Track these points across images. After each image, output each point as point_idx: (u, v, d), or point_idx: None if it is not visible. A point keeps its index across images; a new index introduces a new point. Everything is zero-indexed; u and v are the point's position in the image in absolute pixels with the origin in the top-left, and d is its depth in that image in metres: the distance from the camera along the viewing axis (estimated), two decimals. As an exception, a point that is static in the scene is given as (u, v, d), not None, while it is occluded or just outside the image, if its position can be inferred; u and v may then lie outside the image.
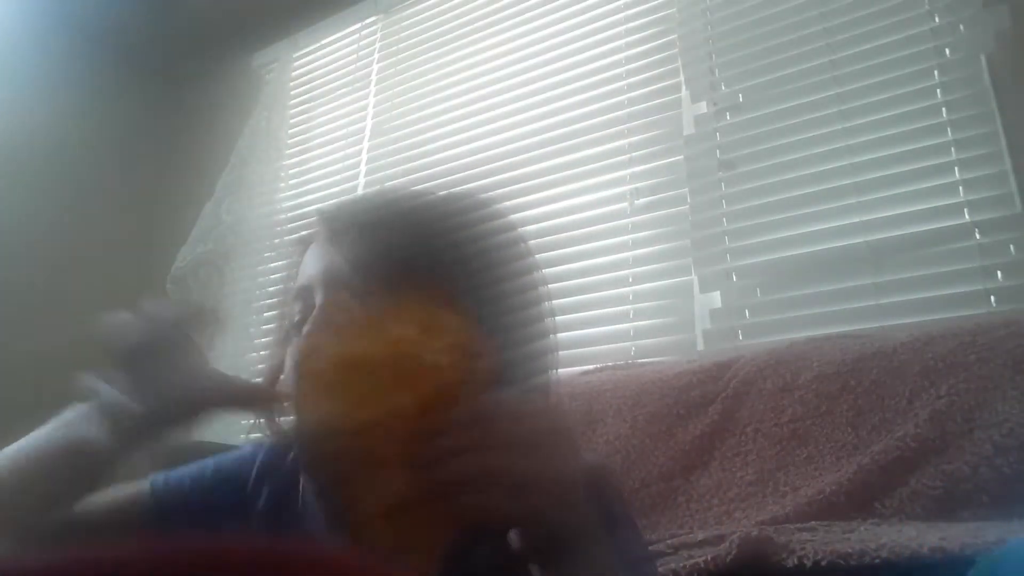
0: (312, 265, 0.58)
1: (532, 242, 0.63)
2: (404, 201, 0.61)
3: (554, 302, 0.61)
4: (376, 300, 0.49)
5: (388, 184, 1.80)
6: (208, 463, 0.67)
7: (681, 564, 0.69)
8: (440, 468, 0.40)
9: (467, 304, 0.51)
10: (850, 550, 0.63)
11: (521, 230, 0.62)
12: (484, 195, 0.63)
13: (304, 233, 0.63)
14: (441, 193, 0.62)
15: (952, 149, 1.18)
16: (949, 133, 1.19)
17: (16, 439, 0.54)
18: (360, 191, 1.94)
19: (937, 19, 1.26)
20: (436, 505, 0.40)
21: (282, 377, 0.58)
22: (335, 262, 0.55)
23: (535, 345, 0.58)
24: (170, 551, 0.20)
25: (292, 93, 2.26)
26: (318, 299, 0.55)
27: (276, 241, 2.06)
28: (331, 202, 0.66)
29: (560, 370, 0.61)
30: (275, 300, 0.66)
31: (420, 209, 0.59)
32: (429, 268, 0.52)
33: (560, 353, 0.62)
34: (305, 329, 0.54)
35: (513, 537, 0.44)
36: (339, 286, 0.54)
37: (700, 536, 0.78)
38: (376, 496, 0.40)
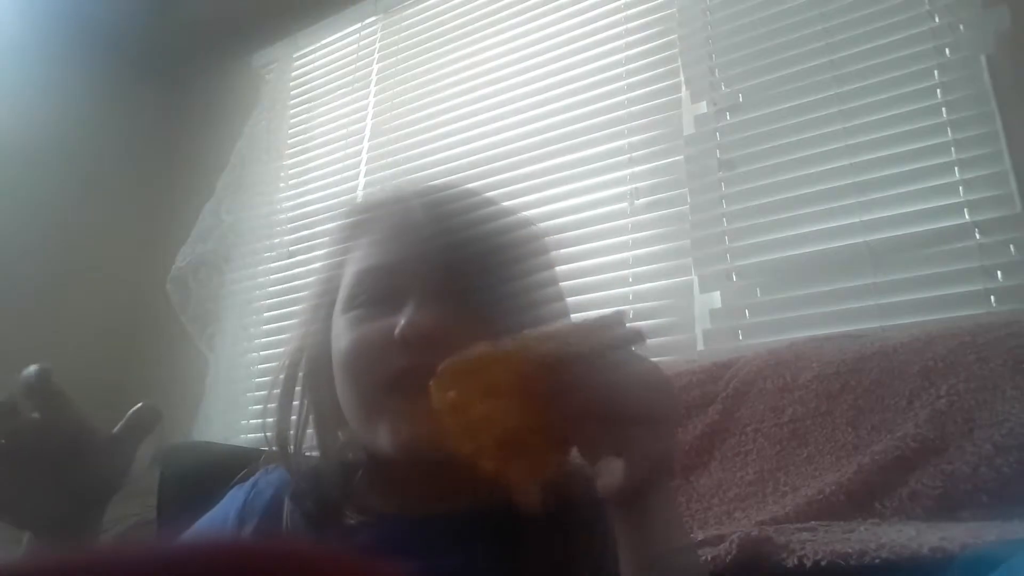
0: (395, 250, 0.57)
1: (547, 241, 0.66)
2: (471, 202, 0.62)
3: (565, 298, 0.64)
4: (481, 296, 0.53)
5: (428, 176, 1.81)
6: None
7: (681, 564, 0.69)
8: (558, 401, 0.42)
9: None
10: (850, 550, 0.63)
11: (545, 239, 0.65)
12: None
13: (362, 216, 0.63)
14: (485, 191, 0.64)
15: (952, 149, 1.18)
16: (949, 133, 1.19)
17: None
18: (360, 192, 1.94)
19: (937, 19, 1.26)
20: (544, 437, 0.43)
21: (338, 353, 0.57)
22: (435, 253, 0.55)
23: None
24: (169, 551, 0.20)
25: (292, 93, 2.26)
26: (418, 286, 0.54)
27: (276, 241, 2.06)
28: (395, 186, 0.66)
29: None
30: (320, 279, 0.64)
31: (492, 206, 0.62)
32: (493, 275, 0.56)
33: None
34: (416, 314, 0.53)
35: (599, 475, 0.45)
36: (446, 279, 0.54)
37: (700, 536, 0.78)
38: (495, 429, 0.43)
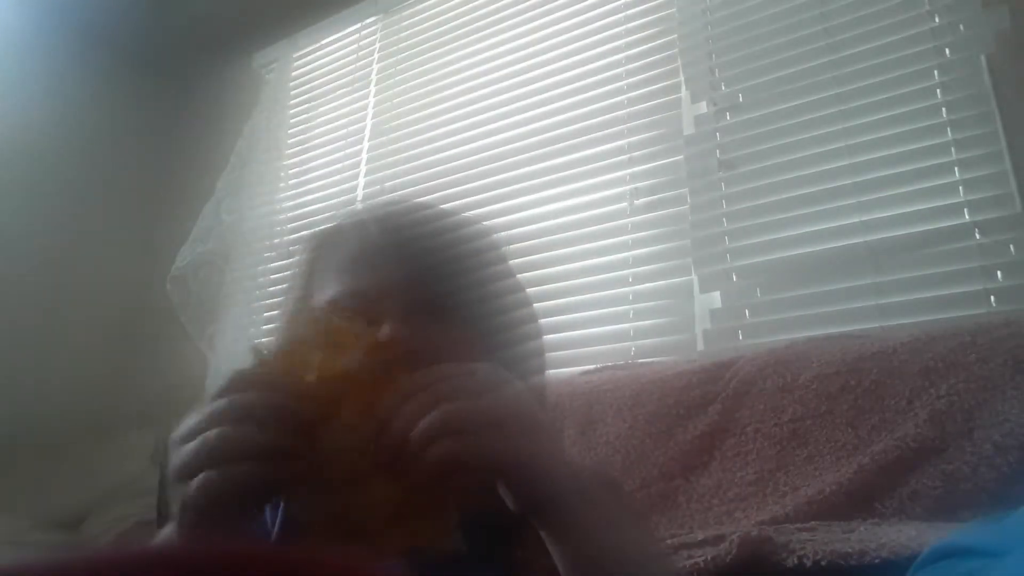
0: (360, 276, 0.57)
1: (512, 252, 0.66)
2: (429, 216, 0.62)
3: (541, 306, 0.65)
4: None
5: (387, 195, 1.81)
6: None
7: (681, 564, 0.69)
8: (407, 434, 0.41)
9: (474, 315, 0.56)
10: (850, 550, 0.63)
11: (503, 243, 0.65)
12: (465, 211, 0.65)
13: (320, 245, 0.63)
14: (440, 207, 0.64)
15: (952, 149, 1.18)
16: (949, 133, 1.19)
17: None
18: (360, 191, 1.94)
19: (937, 19, 1.26)
20: (427, 492, 0.41)
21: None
22: (398, 271, 0.55)
23: (526, 347, 0.60)
24: (169, 553, 0.20)
25: (292, 93, 2.26)
26: (389, 307, 0.54)
27: (276, 241, 2.06)
28: (350, 211, 0.66)
29: (560, 370, 0.63)
30: (286, 294, 0.65)
31: (447, 225, 0.61)
32: (461, 286, 0.56)
33: (551, 355, 0.64)
34: (392, 331, 0.52)
35: (506, 496, 0.44)
36: (414, 294, 0.55)
37: (700, 536, 0.78)
38: (374, 506, 0.41)
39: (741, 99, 1.42)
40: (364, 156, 1.99)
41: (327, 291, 0.59)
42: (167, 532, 0.46)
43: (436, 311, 0.54)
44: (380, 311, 0.55)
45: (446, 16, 1.98)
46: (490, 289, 0.58)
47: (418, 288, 0.55)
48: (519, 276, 0.64)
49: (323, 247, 0.63)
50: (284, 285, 1.97)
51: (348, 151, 2.03)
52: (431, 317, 0.54)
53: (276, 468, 0.41)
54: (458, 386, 0.43)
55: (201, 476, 0.40)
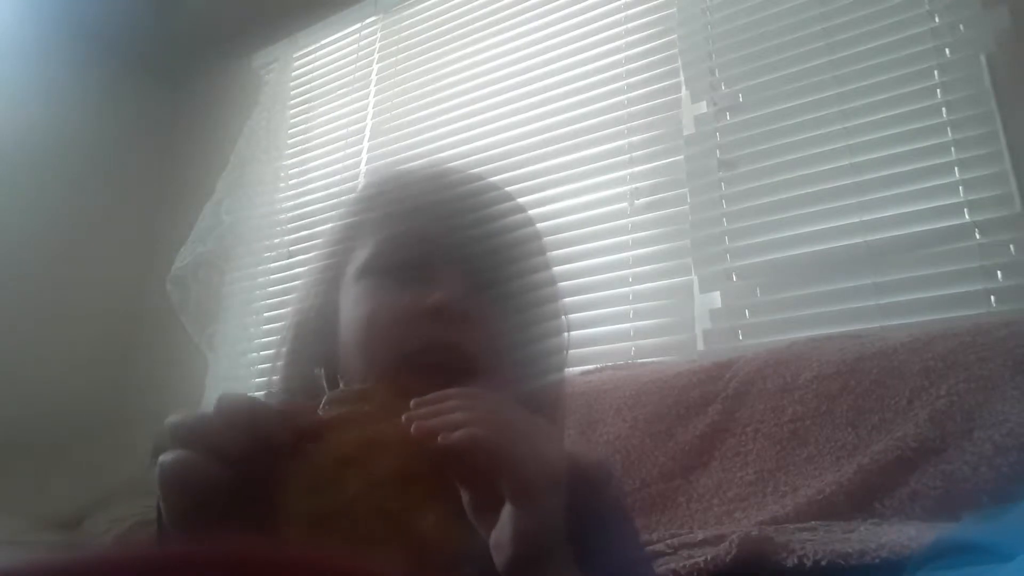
0: (426, 218, 0.54)
1: (547, 236, 0.64)
2: (482, 187, 0.60)
3: (564, 300, 0.63)
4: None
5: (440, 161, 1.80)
6: None
7: (681, 564, 0.69)
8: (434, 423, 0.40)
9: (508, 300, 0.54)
10: (850, 550, 0.63)
11: (539, 225, 0.63)
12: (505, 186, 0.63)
13: (386, 186, 0.60)
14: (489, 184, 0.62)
15: (952, 149, 1.18)
16: (949, 133, 1.19)
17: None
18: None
19: (937, 19, 1.26)
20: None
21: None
22: (469, 229, 0.53)
23: (553, 341, 0.59)
24: (168, 553, 0.20)
25: (292, 93, 2.26)
26: (451, 258, 0.52)
27: (276, 241, 2.06)
28: (407, 165, 0.63)
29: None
30: (331, 247, 0.61)
31: (513, 199, 0.61)
32: (528, 260, 0.55)
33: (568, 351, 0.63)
34: (453, 288, 0.50)
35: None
36: (477, 258, 0.53)
37: (700, 536, 0.78)
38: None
39: (741, 99, 1.42)
40: (364, 156, 1.99)
41: (381, 231, 0.55)
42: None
43: (489, 279, 0.52)
44: (433, 260, 0.52)
45: (446, 16, 1.98)
46: (538, 276, 0.57)
47: (478, 251, 0.52)
48: (552, 265, 0.62)
49: (365, 203, 0.59)
50: (284, 285, 1.98)
51: (348, 151, 2.03)
52: (483, 284, 0.51)
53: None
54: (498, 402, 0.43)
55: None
